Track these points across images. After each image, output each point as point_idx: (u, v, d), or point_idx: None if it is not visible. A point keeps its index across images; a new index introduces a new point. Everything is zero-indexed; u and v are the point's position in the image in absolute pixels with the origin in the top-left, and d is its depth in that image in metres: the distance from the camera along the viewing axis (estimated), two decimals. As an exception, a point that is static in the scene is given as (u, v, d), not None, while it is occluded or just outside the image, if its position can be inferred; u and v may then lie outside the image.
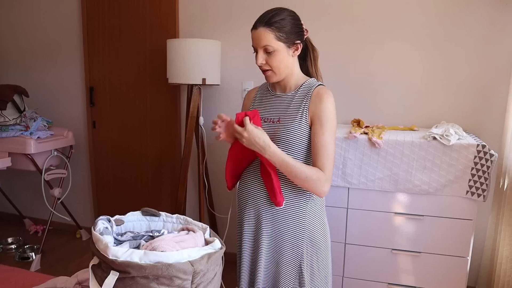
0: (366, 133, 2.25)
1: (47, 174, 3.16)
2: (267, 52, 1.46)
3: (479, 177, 2.04)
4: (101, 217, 1.29)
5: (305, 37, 1.56)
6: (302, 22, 1.53)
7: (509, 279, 2.21)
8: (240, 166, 1.64)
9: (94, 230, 1.21)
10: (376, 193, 2.22)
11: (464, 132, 2.21)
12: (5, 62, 3.79)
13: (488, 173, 2.02)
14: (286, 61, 1.49)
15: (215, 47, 2.72)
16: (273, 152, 1.42)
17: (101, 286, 1.13)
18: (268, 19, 1.44)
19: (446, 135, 2.08)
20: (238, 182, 1.70)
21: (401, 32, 2.61)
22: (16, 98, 3.26)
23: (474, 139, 2.14)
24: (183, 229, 1.35)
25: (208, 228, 1.33)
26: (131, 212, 1.43)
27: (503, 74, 2.46)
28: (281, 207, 1.54)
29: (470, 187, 2.07)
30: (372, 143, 2.16)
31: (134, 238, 1.28)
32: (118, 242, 1.28)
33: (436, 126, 2.30)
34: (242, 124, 1.43)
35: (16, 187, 3.95)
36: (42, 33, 3.58)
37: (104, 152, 3.54)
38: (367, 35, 2.68)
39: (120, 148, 3.47)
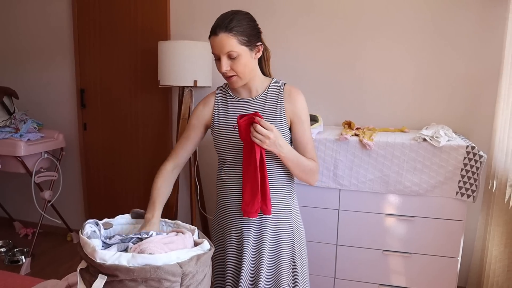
0: (357, 135, 2.27)
1: (38, 177, 3.13)
2: (231, 58, 1.42)
3: (469, 178, 2.06)
4: (88, 220, 1.28)
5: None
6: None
7: (498, 278, 2.23)
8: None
9: (82, 233, 1.21)
10: (367, 194, 2.23)
11: (454, 134, 2.23)
12: (-6, 63, 3.76)
13: (477, 174, 2.04)
14: (250, 64, 1.46)
15: (206, 49, 2.72)
16: (290, 148, 1.46)
17: None
18: (227, 24, 1.39)
19: (436, 137, 2.09)
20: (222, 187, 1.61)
21: (392, 34, 2.63)
22: (5, 100, 3.23)
23: (464, 141, 2.16)
24: (172, 231, 1.34)
25: (197, 230, 1.33)
26: (120, 215, 1.42)
27: (492, 76, 2.49)
28: (276, 206, 1.55)
29: (460, 188, 2.08)
30: (363, 145, 2.17)
31: (122, 241, 1.27)
32: (107, 246, 1.27)
33: (426, 128, 2.32)
34: (247, 126, 1.39)
35: (5, 189, 3.91)
36: (32, 34, 3.56)
37: (95, 154, 3.52)
38: (357, 37, 2.70)
39: (111, 150, 3.46)
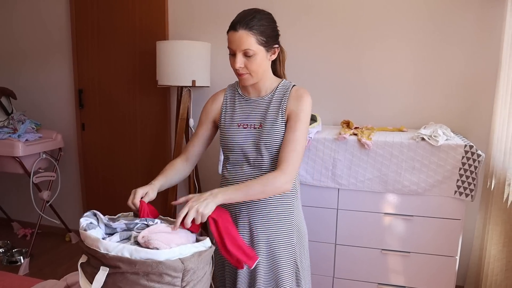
0: (355, 134, 2.27)
1: (36, 177, 3.13)
2: (247, 55, 1.42)
3: (467, 177, 2.06)
4: (85, 214, 1.30)
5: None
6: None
7: (497, 277, 2.24)
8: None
9: (80, 229, 1.22)
10: (365, 193, 2.24)
11: (452, 133, 2.24)
12: (-8, 64, 3.76)
13: (475, 173, 2.04)
14: (264, 64, 1.47)
15: (204, 49, 2.72)
16: (223, 190, 1.35)
17: (91, 283, 1.12)
18: (248, 22, 1.39)
19: (435, 136, 2.10)
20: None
21: (390, 34, 2.64)
22: (3, 100, 3.23)
23: (462, 140, 2.16)
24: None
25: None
26: (121, 213, 1.43)
27: (490, 76, 2.50)
28: (272, 209, 1.53)
29: (458, 187, 2.09)
30: (362, 144, 2.18)
31: (127, 226, 1.27)
32: (110, 230, 1.27)
33: (425, 127, 2.33)
34: (144, 211, 1.35)
35: (4, 190, 3.91)
36: (30, 35, 3.55)
37: (93, 154, 3.51)
38: (356, 37, 2.70)
39: (109, 151, 3.45)
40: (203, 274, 1.23)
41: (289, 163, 1.41)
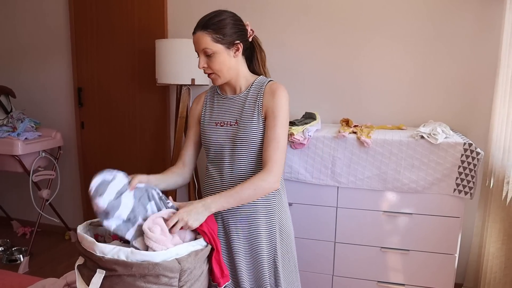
0: (355, 133, 2.27)
1: (35, 176, 3.12)
2: (207, 55, 1.45)
3: (466, 175, 2.07)
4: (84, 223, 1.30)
5: (250, 37, 1.55)
6: (245, 22, 1.53)
7: (496, 275, 2.24)
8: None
9: (78, 230, 1.22)
10: (365, 192, 2.24)
11: (451, 131, 2.24)
12: (-9, 62, 3.75)
13: (474, 171, 2.04)
14: (228, 62, 1.48)
15: (204, 47, 2.72)
16: (215, 198, 1.35)
17: (88, 285, 1.12)
18: (205, 22, 1.45)
19: (434, 134, 2.10)
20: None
21: (389, 32, 2.63)
22: (2, 99, 3.22)
23: (461, 138, 2.16)
24: None
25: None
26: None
27: (489, 73, 2.50)
28: (252, 206, 1.52)
29: (457, 185, 2.09)
30: (361, 142, 2.18)
31: (132, 212, 1.26)
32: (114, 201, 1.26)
33: (424, 125, 2.33)
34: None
35: (3, 188, 3.90)
36: (29, 33, 3.54)
37: (92, 152, 3.51)
38: (355, 36, 2.70)
39: (109, 149, 3.45)
40: (200, 273, 1.23)
41: (274, 161, 1.43)
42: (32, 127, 3.22)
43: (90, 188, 1.25)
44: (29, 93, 3.64)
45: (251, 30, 1.55)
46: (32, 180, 3.10)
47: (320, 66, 2.79)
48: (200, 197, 3.08)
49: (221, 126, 1.54)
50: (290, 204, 2.35)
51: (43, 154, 3.20)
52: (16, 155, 2.95)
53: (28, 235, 3.64)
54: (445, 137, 2.13)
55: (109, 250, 1.10)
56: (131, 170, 3.39)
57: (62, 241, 3.57)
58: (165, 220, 1.24)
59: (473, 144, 2.03)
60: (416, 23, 2.58)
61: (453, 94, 2.58)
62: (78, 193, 3.64)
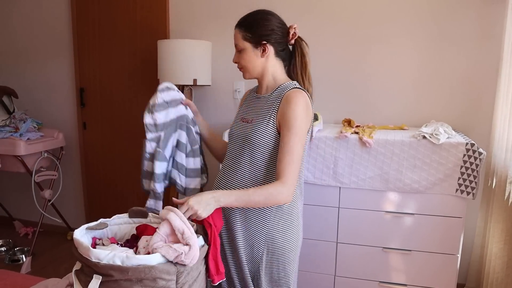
0: (357, 133, 2.27)
1: (38, 176, 3.13)
2: (238, 50, 1.55)
3: (468, 175, 2.06)
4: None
5: (292, 40, 1.55)
6: (291, 25, 1.54)
7: (498, 275, 2.24)
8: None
9: (75, 235, 1.21)
10: (367, 192, 2.24)
11: (453, 131, 2.24)
12: (-7, 63, 3.76)
13: (477, 171, 2.04)
14: (254, 61, 1.53)
15: (206, 47, 2.72)
16: (226, 194, 1.36)
17: None
18: (241, 20, 1.54)
19: (436, 134, 2.10)
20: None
21: (392, 33, 2.63)
22: (5, 99, 3.23)
23: (463, 138, 2.16)
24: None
25: (195, 225, 1.33)
26: (117, 215, 1.42)
27: (491, 74, 2.49)
28: (250, 210, 1.52)
29: (460, 185, 2.09)
30: (363, 143, 2.18)
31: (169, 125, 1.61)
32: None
33: (426, 125, 2.32)
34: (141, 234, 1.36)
35: (5, 189, 3.91)
36: (31, 33, 3.55)
37: (95, 153, 3.52)
38: (357, 36, 2.70)
39: (111, 149, 3.46)
40: (198, 274, 1.23)
41: (289, 175, 1.39)
42: (35, 127, 3.23)
43: (162, 84, 1.67)
44: (32, 93, 3.65)
45: (294, 33, 1.54)
46: (34, 180, 3.11)
47: (322, 67, 2.79)
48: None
49: (242, 122, 1.59)
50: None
51: (45, 154, 3.21)
52: (19, 156, 2.96)
53: (31, 235, 3.65)
54: (447, 137, 2.12)
55: (104, 256, 1.10)
56: (132, 170, 3.39)
57: (64, 241, 3.57)
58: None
59: (475, 144, 2.03)
60: (418, 23, 2.57)
61: (455, 94, 2.58)
62: (80, 193, 3.65)
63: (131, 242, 1.35)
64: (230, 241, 1.56)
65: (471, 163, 2.05)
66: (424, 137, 2.12)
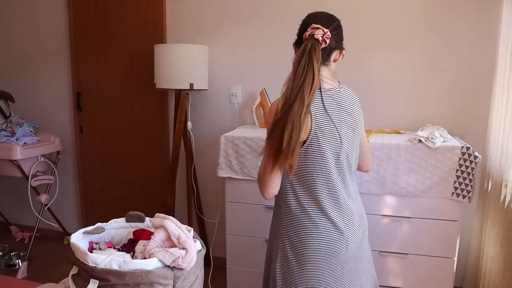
0: (353, 137, 2.27)
1: (34, 180, 3.12)
2: None
3: (464, 178, 2.07)
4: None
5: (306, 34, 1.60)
6: (313, 26, 1.63)
7: (495, 278, 2.24)
8: None
9: (71, 240, 1.21)
10: (363, 195, 2.24)
11: (449, 135, 2.25)
12: (-10, 67, 3.76)
13: (472, 174, 2.05)
14: None
15: (202, 52, 2.73)
16: None
17: None
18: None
19: (432, 138, 2.11)
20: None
21: (387, 36, 2.65)
22: (1, 103, 3.23)
23: (459, 141, 2.17)
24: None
25: (192, 230, 1.33)
26: (114, 220, 1.41)
27: (487, 77, 2.51)
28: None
29: (456, 188, 2.10)
30: (359, 146, 2.18)
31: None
32: None
33: (422, 129, 2.34)
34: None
35: (1, 193, 3.90)
36: (28, 38, 3.55)
37: (91, 157, 3.51)
38: (352, 40, 2.71)
39: (107, 153, 3.45)
40: (195, 278, 1.23)
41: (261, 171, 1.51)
42: (31, 131, 3.22)
43: None
44: (28, 97, 3.65)
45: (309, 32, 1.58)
46: (30, 184, 3.10)
47: (318, 71, 2.80)
48: (199, 203, 3.08)
49: None
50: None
51: (42, 158, 3.20)
52: (15, 160, 2.95)
53: (27, 240, 3.63)
54: (443, 141, 2.14)
55: (101, 260, 1.10)
56: (129, 174, 3.39)
57: (60, 246, 3.56)
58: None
59: (471, 148, 2.04)
60: (414, 27, 2.59)
61: (451, 97, 2.59)
62: (77, 197, 3.64)
63: (128, 247, 1.35)
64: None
65: (467, 167, 2.06)
66: (420, 141, 2.13)
